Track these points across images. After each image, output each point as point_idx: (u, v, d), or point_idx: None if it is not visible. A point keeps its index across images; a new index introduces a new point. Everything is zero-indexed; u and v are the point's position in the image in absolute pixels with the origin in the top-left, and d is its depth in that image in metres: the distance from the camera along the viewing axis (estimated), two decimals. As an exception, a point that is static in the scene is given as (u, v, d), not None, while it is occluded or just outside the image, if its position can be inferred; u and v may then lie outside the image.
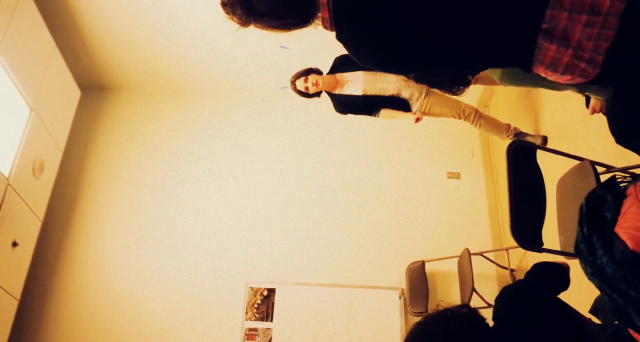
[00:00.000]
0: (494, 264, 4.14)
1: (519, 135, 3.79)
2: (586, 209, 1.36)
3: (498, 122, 3.88)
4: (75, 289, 4.19)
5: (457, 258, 3.97)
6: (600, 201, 1.35)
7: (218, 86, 5.03)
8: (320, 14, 1.38)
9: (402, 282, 4.23)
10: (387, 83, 3.60)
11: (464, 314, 1.40)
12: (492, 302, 1.59)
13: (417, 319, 1.45)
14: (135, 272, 4.25)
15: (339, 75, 3.69)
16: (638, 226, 1.20)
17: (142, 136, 4.82)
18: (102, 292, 4.18)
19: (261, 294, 4.22)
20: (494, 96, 4.88)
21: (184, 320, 4.11)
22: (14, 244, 3.62)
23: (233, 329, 4.10)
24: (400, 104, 3.65)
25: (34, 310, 4.08)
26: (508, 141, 3.36)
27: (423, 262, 4.13)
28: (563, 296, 1.58)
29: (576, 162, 2.33)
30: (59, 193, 4.40)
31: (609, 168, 2.29)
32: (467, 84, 1.80)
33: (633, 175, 2.07)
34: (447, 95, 3.71)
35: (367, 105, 3.67)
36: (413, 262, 4.21)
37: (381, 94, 3.62)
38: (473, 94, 4.74)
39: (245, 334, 4.09)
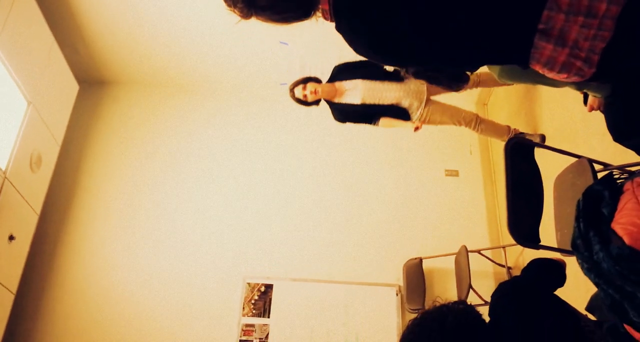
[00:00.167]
0: (491, 262, 4.15)
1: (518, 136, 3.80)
2: (583, 205, 1.36)
3: (498, 125, 3.88)
4: (71, 284, 4.19)
5: (455, 255, 3.98)
6: (598, 196, 1.35)
7: (218, 86, 5.02)
8: (320, 6, 1.39)
9: (399, 279, 4.24)
10: (386, 92, 3.57)
11: (461, 310, 1.40)
12: (489, 300, 1.59)
13: (414, 315, 1.45)
14: (134, 271, 4.26)
15: (337, 84, 3.67)
16: (635, 221, 1.20)
17: (141, 133, 4.81)
18: (97, 283, 4.18)
19: (258, 290, 4.23)
20: (493, 94, 4.88)
21: (181, 316, 4.11)
22: (11, 238, 3.61)
23: (230, 325, 4.11)
24: (399, 112, 3.62)
25: (30, 304, 4.08)
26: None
27: (420, 259, 4.14)
28: (560, 293, 1.59)
29: (574, 159, 2.33)
30: (56, 187, 4.40)
31: (606, 166, 2.29)
32: (466, 80, 1.80)
33: (630, 172, 2.07)
34: (447, 104, 3.71)
35: (366, 114, 3.64)
36: (410, 259, 4.22)
37: (380, 102, 3.58)
38: (472, 93, 4.74)
39: (242, 330, 4.10)
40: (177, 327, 4.08)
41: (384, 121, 3.66)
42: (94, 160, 4.67)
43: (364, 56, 1.47)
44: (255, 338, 4.07)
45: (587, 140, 3.11)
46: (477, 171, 4.76)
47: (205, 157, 4.74)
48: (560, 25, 1.22)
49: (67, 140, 4.50)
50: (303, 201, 4.60)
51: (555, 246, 2.30)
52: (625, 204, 1.26)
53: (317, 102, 3.71)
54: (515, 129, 3.84)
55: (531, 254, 2.03)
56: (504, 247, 4.05)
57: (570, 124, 3.35)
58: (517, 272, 3.95)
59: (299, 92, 3.64)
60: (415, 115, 3.63)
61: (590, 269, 1.28)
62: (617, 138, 1.60)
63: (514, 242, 2.29)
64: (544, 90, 3.76)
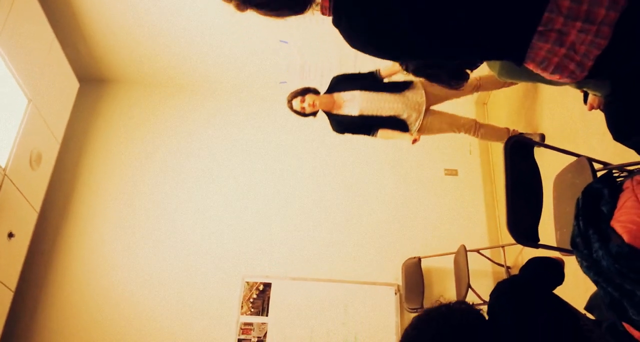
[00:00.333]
0: (490, 261, 4.15)
1: None
2: (583, 203, 1.36)
3: (497, 128, 3.87)
4: (70, 282, 4.19)
5: (454, 255, 3.98)
6: (597, 194, 1.35)
7: (218, 86, 5.02)
8: (319, 0, 1.39)
9: (398, 278, 4.24)
10: (385, 103, 3.56)
11: (462, 310, 1.40)
12: (488, 299, 1.59)
13: (413, 315, 1.45)
14: (134, 270, 4.26)
15: (336, 95, 3.65)
16: (634, 219, 1.20)
17: (141, 133, 4.81)
18: (97, 282, 4.19)
19: (257, 289, 4.23)
20: (492, 94, 4.88)
21: (180, 314, 4.11)
22: (10, 235, 3.61)
23: (228, 324, 4.11)
24: (398, 124, 3.60)
25: (29, 302, 4.08)
26: (506, 140, 3.35)
27: (419, 259, 4.14)
28: (559, 292, 1.58)
29: (573, 158, 2.33)
30: (56, 185, 4.39)
31: (606, 165, 2.29)
32: (466, 78, 1.80)
33: (630, 172, 2.07)
34: (445, 112, 3.71)
35: (365, 125, 3.62)
36: (409, 259, 4.22)
37: (378, 114, 3.57)
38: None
39: (241, 329, 4.10)
40: (176, 325, 4.08)
41: (382, 133, 3.65)
42: (93, 159, 4.67)
43: (362, 52, 1.47)
44: (254, 337, 4.07)
45: (587, 139, 3.11)
46: (476, 170, 4.76)
47: (205, 157, 4.74)
48: (559, 28, 1.23)
49: (67, 139, 4.50)
50: (303, 201, 4.60)
51: (555, 245, 2.30)
52: (625, 202, 1.26)
53: (314, 113, 3.67)
54: (514, 130, 3.84)
55: (530, 253, 2.02)
56: (503, 247, 4.05)
57: (570, 123, 3.35)
58: (516, 272, 3.94)
59: (297, 104, 3.60)
60: (413, 127, 3.61)
61: (590, 267, 1.28)
62: (617, 137, 1.60)
63: (513, 241, 2.29)
64: (543, 89, 3.76)
